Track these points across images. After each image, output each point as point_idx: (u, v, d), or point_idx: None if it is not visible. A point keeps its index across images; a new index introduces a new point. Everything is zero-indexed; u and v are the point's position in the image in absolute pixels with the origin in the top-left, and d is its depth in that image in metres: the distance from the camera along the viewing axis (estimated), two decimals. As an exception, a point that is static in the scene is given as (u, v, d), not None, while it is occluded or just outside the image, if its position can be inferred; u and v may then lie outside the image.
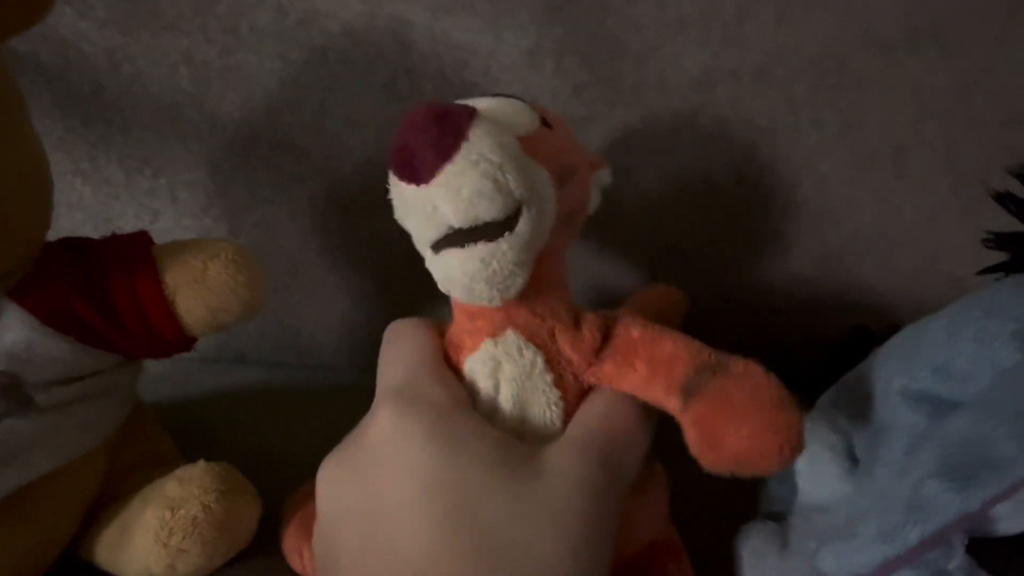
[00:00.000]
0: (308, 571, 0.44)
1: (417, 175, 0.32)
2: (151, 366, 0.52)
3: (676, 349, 0.37)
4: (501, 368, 0.37)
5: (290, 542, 0.45)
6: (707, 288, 0.63)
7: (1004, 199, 0.42)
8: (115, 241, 0.46)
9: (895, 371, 0.44)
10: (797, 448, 0.34)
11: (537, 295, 0.37)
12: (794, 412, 0.35)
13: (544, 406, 0.37)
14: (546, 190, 0.35)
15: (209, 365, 0.69)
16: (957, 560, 0.39)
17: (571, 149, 0.39)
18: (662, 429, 0.49)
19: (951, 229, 0.62)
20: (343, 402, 0.57)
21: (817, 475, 0.45)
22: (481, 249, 0.33)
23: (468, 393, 0.37)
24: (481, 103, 0.36)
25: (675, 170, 0.62)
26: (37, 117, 0.43)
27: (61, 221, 0.45)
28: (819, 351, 0.64)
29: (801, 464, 0.45)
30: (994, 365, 0.39)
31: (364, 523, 0.33)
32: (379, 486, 0.33)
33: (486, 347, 0.37)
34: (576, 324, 0.38)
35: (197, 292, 0.45)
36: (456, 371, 0.38)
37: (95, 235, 0.47)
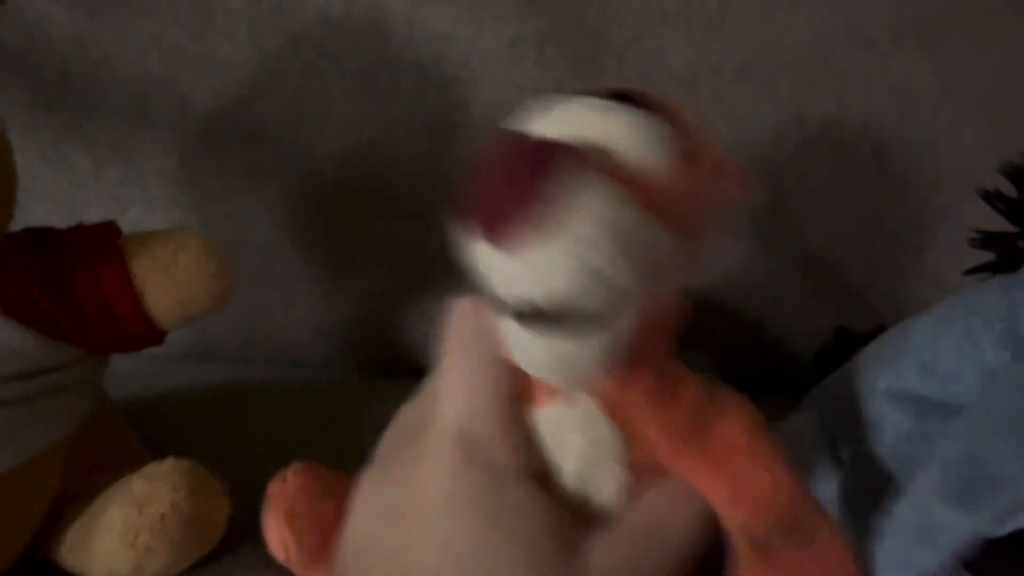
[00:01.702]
0: (294, 563, 0.42)
1: (500, 242, 0.26)
2: (119, 364, 0.51)
3: (773, 487, 0.30)
4: (569, 439, 0.32)
5: (275, 533, 0.42)
6: (689, 288, 0.62)
7: (992, 198, 0.41)
8: (81, 231, 0.45)
9: (880, 371, 0.44)
10: None
11: (636, 355, 0.30)
12: None
13: (609, 487, 0.32)
14: (667, 266, 0.28)
15: (178, 362, 0.68)
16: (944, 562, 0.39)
17: (713, 183, 0.30)
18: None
19: (933, 229, 0.62)
20: (314, 399, 0.56)
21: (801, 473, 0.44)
22: (563, 345, 0.27)
23: (532, 447, 0.32)
24: (608, 126, 0.28)
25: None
26: (1, 102, 0.42)
27: (25, 211, 0.43)
28: (801, 352, 0.64)
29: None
30: (980, 365, 0.39)
31: (387, 565, 0.32)
32: (409, 536, 0.32)
33: (557, 410, 0.32)
34: (673, 395, 0.31)
35: (165, 283, 0.43)
36: (522, 415, 0.33)
37: (61, 226, 0.46)
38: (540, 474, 0.31)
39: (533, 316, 0.27)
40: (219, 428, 0.57)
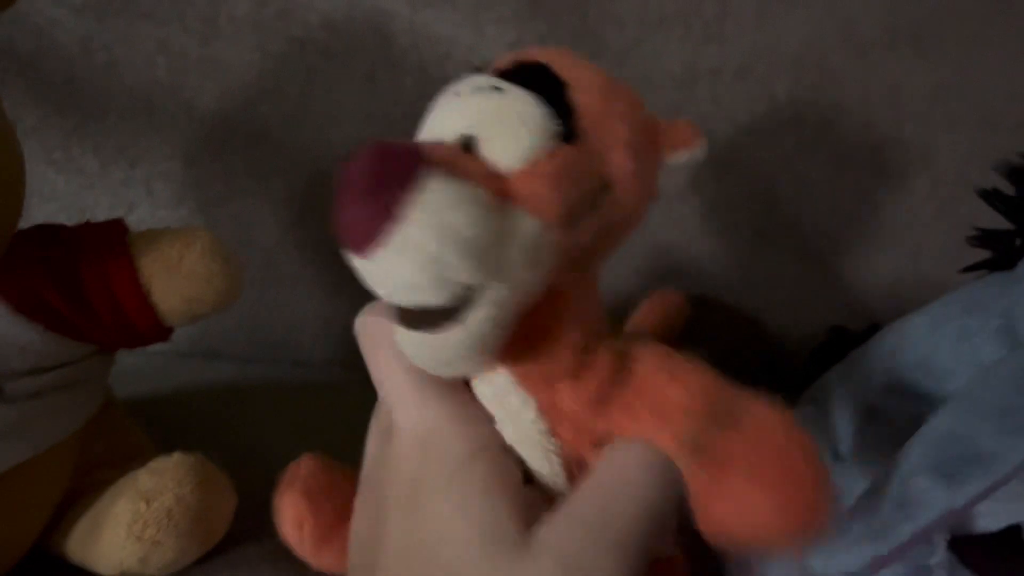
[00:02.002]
0: (307, 541, 0.41)
1: (354, 248, 0.26)
2: (124, 361, 0.51)
3: (684, 391, 0.30)
4: (495, 409, 0.32)
5: (291, 511, 0.40)
6: (685, 287, 0.63)
7: (990, 196, 0.42)
8: (89, 229, 0.45)
9: (878, 366, 0.44)
10: (817, 533, 0.27)
11: (539, 333, 0.31)
12: (817, 485, 0.27)
13: (542, 457, 0.31)
14: (528, 254, 0.28)
15: (183, 360, 0.68)
16: (939, 556, 0.39)
17: (604, 158, 0.29)
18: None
19: (928, 229, 0.63)
20: (318, 398, 0.57)
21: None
22: (425, 337, 0.27)
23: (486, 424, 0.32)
24: (479, 113, 0.28)
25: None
26: (9, 105, 0.43)
27: (33, 212, 0.44)
28: (798, 350, 0.64)
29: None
30: (976, 361, 0.39)
31: (365, 555, 0.32)
32: (392, 530, 0.31)
33: (477, 384, 0.32)
34: (583, 366, 0.31)
35: (172, 281, 0.44)
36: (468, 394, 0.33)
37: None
38: (499, 443, 0.32)
39: (400, 312, 0.27)
40: (223, 426, 0.57)
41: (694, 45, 0.59)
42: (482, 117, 0.28)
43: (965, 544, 0.41)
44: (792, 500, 0.26)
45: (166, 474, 0.43)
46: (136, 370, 0.62)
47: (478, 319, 0.26)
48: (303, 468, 0.42)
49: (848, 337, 0.60)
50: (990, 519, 0.43)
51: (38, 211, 0.51)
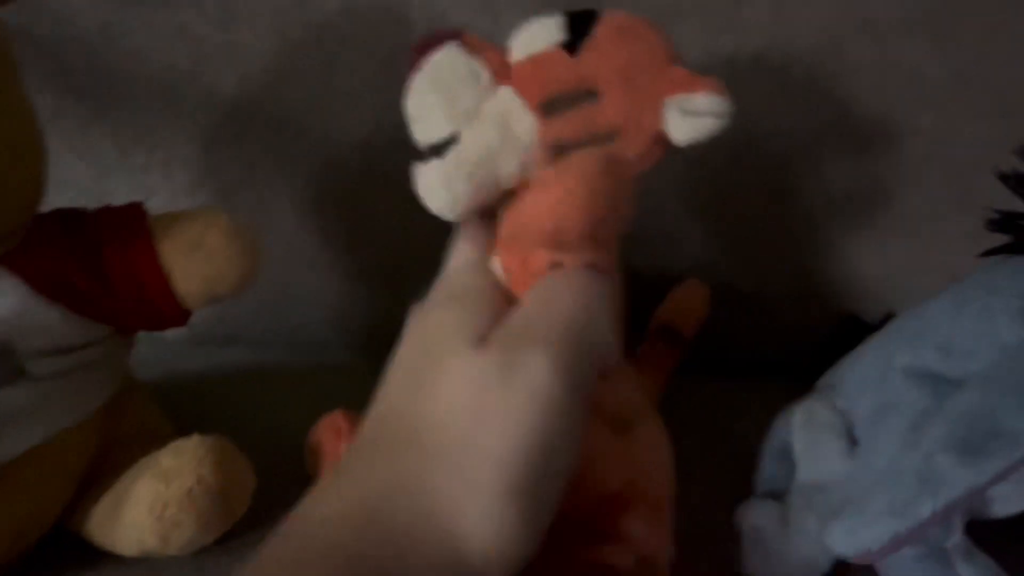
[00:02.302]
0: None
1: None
2: (144, 347, 0.52)
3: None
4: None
5: (328, 423, 0.48)
6: (701, 275, 0.63)
7: (1010, 179, 0.42)
8: (109, 212, 0.46)
9: (897, 350, 0.45)
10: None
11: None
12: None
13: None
14: (506, 119, 0.35)
15: (201, 345, 0.69)
16: (955, 539, 0.40)
17: (590, 73, 0.36)
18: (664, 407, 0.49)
19: (944, 219, 0.63)
20: (335, 382, 0.57)
21: (816, 454, 0.45)
22: (421, 167, 0.36)
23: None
24: (527, 23, 0.37)
25: (670, 155, 0.62)
26: (29, 91, 0.43)
27: (53, 197, 0.44)
28: (814, 338, 0.64)
29: (800, 444, 0.46)
30: (997, 342, 0.39)
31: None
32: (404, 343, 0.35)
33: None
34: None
35: (193, 262, 0.44)
36: None
37: (89, 210, 0.47)
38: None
39: (421, 153, 0.36)
40: (242, 409, 0.58)
41: (710, 34, 0.59)
42: (519, 31, 0.37)
43: (980, 528, 0.42)
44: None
45: (186, 455, 0.44)
46: (156, 356, 0.63)
47: (450, 157, 0.35)
48: (333, 417, 0.49)
49: (862, 325, 0.60)
50: (1005, 504, 0.44)
51: (57, 196, 0.51)
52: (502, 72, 0.36)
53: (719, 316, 0.61)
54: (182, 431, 0.46)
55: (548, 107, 0.36)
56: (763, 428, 0.51)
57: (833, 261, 0.65)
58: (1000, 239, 0.43)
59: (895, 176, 0.62)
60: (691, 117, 0.36)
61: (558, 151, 0.36)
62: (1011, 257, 0.43)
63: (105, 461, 0.47)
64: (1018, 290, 0.39)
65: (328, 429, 0.48)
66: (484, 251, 0.38)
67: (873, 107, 0.61)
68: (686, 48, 0.58)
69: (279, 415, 0.56)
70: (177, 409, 0.54)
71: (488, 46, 0.37)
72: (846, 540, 0.36)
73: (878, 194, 0.63)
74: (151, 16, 0.59)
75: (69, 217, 0.45)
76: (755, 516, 0.44)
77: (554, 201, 0.34)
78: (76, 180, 0.63)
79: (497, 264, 0.37)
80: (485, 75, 0.36)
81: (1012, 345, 0.38)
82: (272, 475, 0.47)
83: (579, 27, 0.36)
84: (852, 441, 0.45)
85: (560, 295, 0.33)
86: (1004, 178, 0.42)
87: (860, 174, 0.63)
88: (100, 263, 0.43)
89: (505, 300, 0.35)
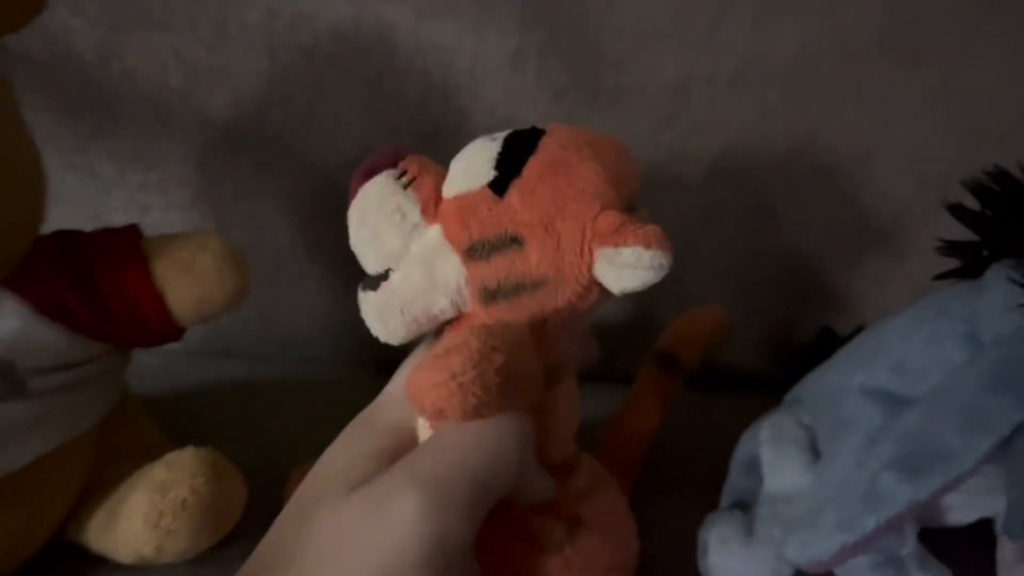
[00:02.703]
0: None
1: None
2: (140, 361, 0.53)
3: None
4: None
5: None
6: (677, 291, 0.64)
7: (956, 210, 0.44)
8: (106, 235, 0.47)
9: (855, 368, 0.46)
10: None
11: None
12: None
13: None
14: (427, 255, 0.35)
15: (196, 359, 0.70)
16: (909, 547, 0.42)
17: (514, 219, 0.34)
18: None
19: (914, 233, 0.65)
20: (328, 395, 0.58)
21: (782, 467, 0.46)
22: (360, 294, 0.37)
23: None
24: (468, 150, 0.36)
25: (650, 174, 0.63)
26: (27, 111, 0.44)
27: (51, 214, 0.45)
28: (787, 351, 0.66)
29: (767, 456, 0.47)
30: (945, 363, 0.41)
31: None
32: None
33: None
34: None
35: (185, 283, 0.46)
36: None
37: (85, 228, 0.48)
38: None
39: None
40: (235, 422, 0.59)
41: (689, 54, 0.61)
42: (460, 155, 0.36)
43: (935, 537, 0.43)
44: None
45: (181, 467, 0.45)
46: (151, 369, 0.64)
47: (382, 293, 0.36)
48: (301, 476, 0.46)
49: (836, 338, 0.62)
50: (961, 512, 0.46)
51: (56, 214, 0.52)
52: (431, 209, 0.35)
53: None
54: (177, 443, 0.48)
55: (472, 252, 0.34)
56: (736, 438, 0.52)
57: (808, 274, 0.67)
58: (953, 262, 0.45)
59: (868, 192, 0.64)
60: (625, 269, 0.33)
61: (489, 295, 0.34)
62: (962, 281, 0.44)
63: (102, 473, 0.49)
64: (965, 314, 0.41)
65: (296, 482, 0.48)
66: None
67: (847, 125, 0.63)
68: (665, 68, 0.61)
69: (272, 427, 0.58)
70: (172, 422, 0.56)
71: (426, 174, 0.36)
72: (799, 552, 0.38)
73: (851, 209, 0.64)
74: (145, 39, 0.60)
75: (67, 239, 0.46)
76: (719, 527, 0.46)
77: (430, 384, 0.31)
78: (74, 197, 0.64)
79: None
80: (414, 213, 0.35)
81: (955, 368, 0.40)
82: (264, 487, 0.49)
83: (510, 164, 0.34)
84: (816, 455, 0.47)
85: (452, 438, 0.32)
86: (952, 209, 0.44)
87: (834, 190, 0.64)
88: (96, 284, 0.45)
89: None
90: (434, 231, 0.35)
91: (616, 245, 0.32)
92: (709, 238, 0.66)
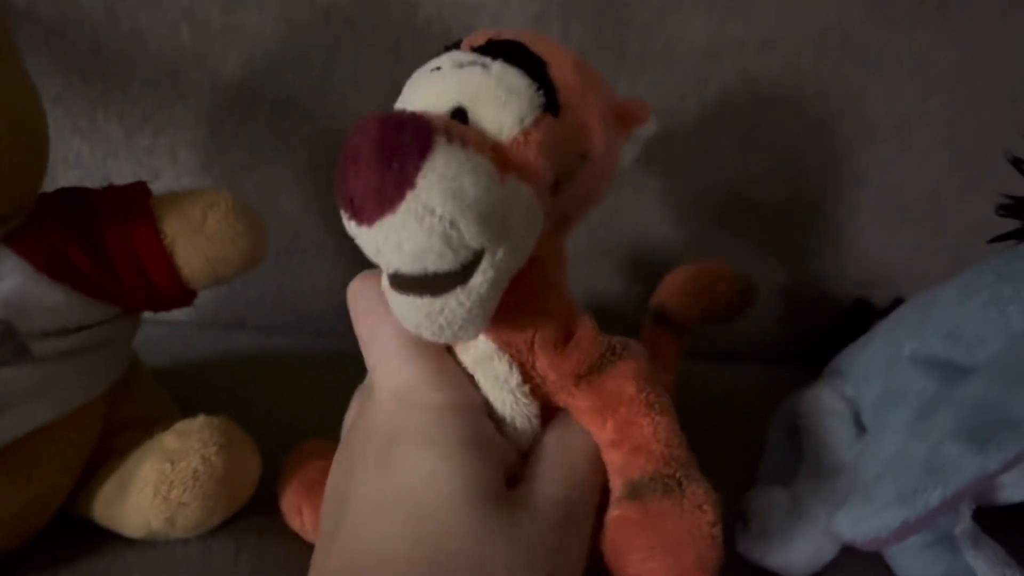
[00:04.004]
0: (308, 529, 0.43)
1: (357, 216, 0.28)
2: (149, 331, 0.51)
3: (652, 436, 0.32)
4: (477, 376, 0.33)
5: (289, 500, 0.44)
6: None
7: (1020, 163, 0.42)
8: (112, 191, 0.45)
9: (905, 337, 0.44)
10: None
11: (521, 301, 0.32)
12: (710, 563, 0.31)
13: (522, 417, 0.33)
14: (524, 219, 0.29)
15: (207, 330, 0.69)
16: (964, 525, 0.40)
17: (583, 130, 0.32)
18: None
19: (952, 204, 0.63)
20: (341, 368, 0.57)
21: (823, 441, 0.45)
22: (426, 303, 0.28)
23: (468, 386, 0.33)
24: (464, 86, 0.30)
25: (680, 140, 0.62)
26: (34, 72, 0.42)
27: (58, 178, 0.44)
28: (821, 324, 0.64)
29: (807, 430, 0.46)
30: (1006, 329, 0.39)
31: (337, 509, 0.33)
32: (359, 479, 0.32)
33: (459, 352, 0.34)
34: (565, 339, 0.33)
35: (196, 242, 0.44)
36: (450, 359, 0.34)
37: (93, 191, 0.47)
38: (481, 408, 0.33)
39: (399, 279, 0.28)
40: (247, 395, 0.58)
41: (719, 17, 0.59)
42: (472, 90, 0.30)
43: (988, 515, 0.41)
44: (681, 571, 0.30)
45: (192, 436, 0.43)
46: (161, 340, 0.63)
47: (481, 282, 0.28)
48: (301, 456, 0.46)
49: (872, 310, 0.60)
50: (1015, 490, 0.44)
51: (63, 178, 0.51)
52: (501, 160, 0.29)
53: (753, 303, 0.60)
54: (188, 415, 0.46)
55: (557, 188, 0.31)
56: (772, 414, 0.51)
57: (842, 247, 0.65)
58: (1010, 224, 0.43)
59: (904, 161, 0.62)
60: (635, 145, 0.35)
61: (565, 221, 0.33)
62: (1021, 243, 0.42)
63: (111, 444, 0.47)
64: (1028, 277, 0.39)
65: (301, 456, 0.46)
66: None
67: (882, 92, 0.61)
68: (695, 32, 0.59)
69: (285, 401, 0.57)
70: (183, 394, 0.54)
71: (465, 130, 0.29)
72: (855, 527, 0.36)
73: (887, 179, 0.63)
74: (155, -2, 0.58)
75: (72, 196, 0.45)
76: (761, 503, 0.44)
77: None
78: (82, 161, 0.63)
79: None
80: (495, 173, 0.28)
81: (1021, 333, 0.38)
82: (278, 461, 0.47)
83: (543, 79, 0.31)
84: (860, 428, 0.45)
85: (590, 474, 0.33)
86: (1016, 162, 0.42)
87: (869, 159, 0.62)
88: (102, 242, 0.43)
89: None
90: (518, 184, 0.29)
91: (644, 121, 0.34)
92: (739, 207, 0.65)
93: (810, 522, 0.41)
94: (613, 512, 0.32)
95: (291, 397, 0.58)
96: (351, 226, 0.28)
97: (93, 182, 0.47)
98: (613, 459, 0.33)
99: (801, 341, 0.66)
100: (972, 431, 0.34)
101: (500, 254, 0.28)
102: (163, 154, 0.63)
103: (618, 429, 0.32)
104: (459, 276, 0.27)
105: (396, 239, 0.27)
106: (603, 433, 0.33)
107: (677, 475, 0.31)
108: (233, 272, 0.46)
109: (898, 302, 0.53)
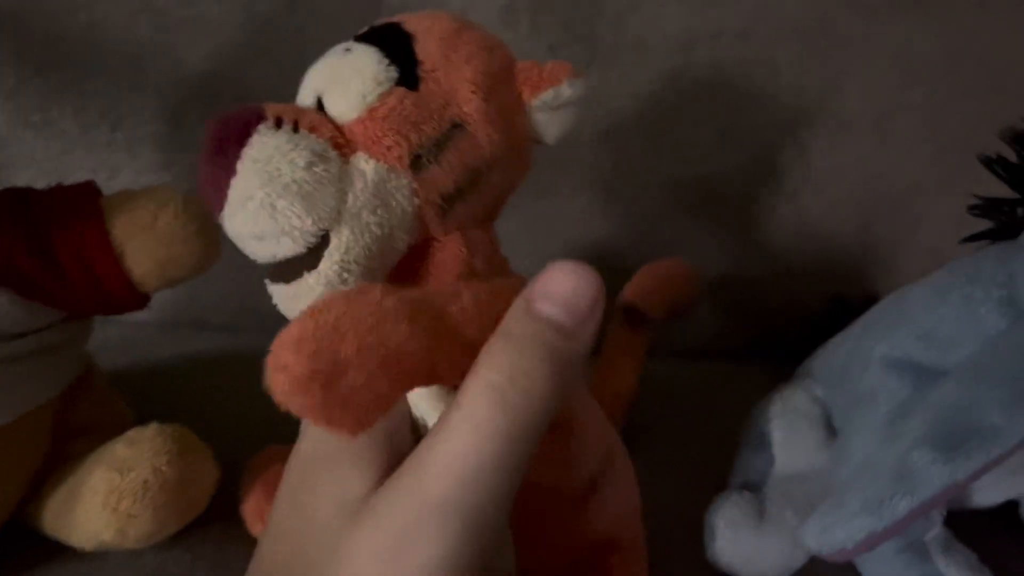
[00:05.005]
0: None
1: (212, 208, 0.29)
2: (109, 332, 0.50)
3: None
4: None
5: (251, 506, 0.43)
6: (684, 256, 0.62)
7: (993, 163, 0.41)
8: (60, 191, 0.44)
9: (877, 339, 0.44)
10: None
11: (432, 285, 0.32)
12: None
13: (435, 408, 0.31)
14: (375, 194, 0.29)
15: (169, 331, 0.67)
16: (935, 532, 0.39)
17: (450, 98, 0.31)
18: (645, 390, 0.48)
19: (931, 199, 0.62)
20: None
21: (794, 445, 0.44)
22: (285, 289, 0.29)
23: None
24: (325, 71, 0.31)
25: (653, 133, 0.61)
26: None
27: (12, 176, 0.43)
28: (797, 320, 0.63)
29: (778, 433, 0.45)
30: (979, 332, 0.38)
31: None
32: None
33: None
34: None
35: (146, 243, 0.42)
36: None
37: (46, 191, 0.45)
38: None
39: (264, 269, 0.30)
40: (211, 397, 0.56)
41: (694, 8, 0.58)
42: (326, 76, 0.31)
43: (960, 520, 0.41)
44: None
45: (142, 445, 0.42)
46: (121, 341, 0.61)
47: (329, 265, 0.28)
48: (263, 462, 0.45)
49: (848, 306, 0.59)
50: (987, 494, 0.43)
51: (16, 176, 0.49)
52: (340, 140, 0.29)
53: (704, 297, 0.59)
54: (147, 420, 0.45)
55: (419, 161, 0.30)
56: (745, 413, 0.50)
57: (817, 241, 0.64)
58: (983, 224, 0.42)
59: (882, 154, 0.61)
60: (559, 111, 0.33)
61: (448, 201, 0.31)
62: (993, 244, 0.42)
63: (61, 451, 0.46)
64: (999, 279, 0.38)
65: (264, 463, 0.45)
66: None
67: (861, 85, 0.60)
68: (669, 22, 0.58)
69: (249, 403, 0.54)
70: (142, 398, 0.53)
71: (299, 112, 0.29)
72: (821, 538, 0.35)
73: (865, 173, 0.62)
74: (113, -12, 0.57)
75: (18, 197, 0.43)
76: (730, 508, 0.43)
77: None
78: (36, 158, 0.61)
79: None
80: (331, 154, 0.28)
81: (993, 337, 0.37)
82: (241, 466, 0.46)
83: (401, 55, 0.30)
84: (831, 431, 0.44)
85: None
86: (987, 162, 0.41)
87: (846, 152, 0.62)
88: (49, 245, 0.41)
89: None
90: (363, 163, 0.29)
91: (554, 84, 0.32)
92: (714, 202, 0.64)
93: (780, 529, 0.41)
94: None
95: (255, 399, 0.54)
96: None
97: (48, 179, 0.46)
98: None
99: (776, 338, 0.65)
100: (942, 439, 0.33)
101: (346, 235, 0.28)
102: (121, 150, 0.62)
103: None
104: (307, 260, 0.28)
105: (235, 228, 0.28)
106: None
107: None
108: (185, 274, 0.44)
109: (872, 299, 0.52)
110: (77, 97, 0.60)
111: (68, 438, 0.46)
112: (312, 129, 0.28)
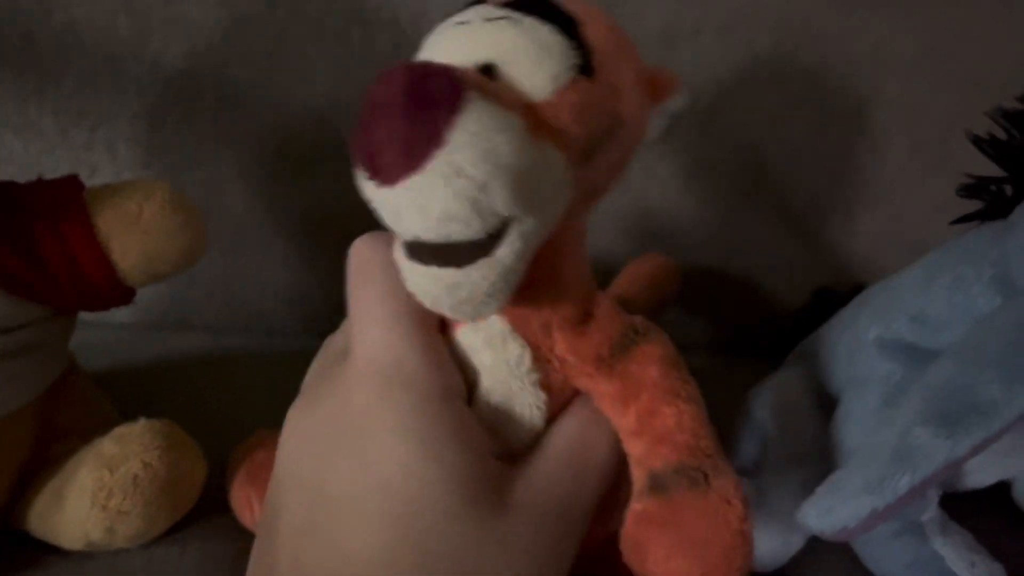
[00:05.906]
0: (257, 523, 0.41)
1: (379, 175, 0.25)
2: (92, 334, 0.49)
3: (676, 425, 0.30)
4: (481, 358, 0.31)
5: (239, 494, 0.42)
6: (669, 250, 0.62)
7: (982, 142, 0.41)
8: (43, 185, 0.43)
9: (869, 322, 0.44)
10: None
11: (540, 279, 0.30)
12: (738, 562, 0.29)
13: (527, 407, 0.31)
14: (554, 188, 0.27)
15: (152, 331, 0.67)
16: (931, 512, 0.39)
17: (617, 95, 0.29)
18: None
19: (911, 191, 0.62)
20: (292, 369, 0.55)
21: (789, 429, 0.44)
22: (448, 274, 0.26)
23: (454, 370, 0.31)
24: (497, 42, 0.27)
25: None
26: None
27: (-9, 176, 0.42)
28: (782, 313, 0.63)
29: (773, 419, 0.45)
30: (971, 311, 0.39)
31: (312, 500, 0.30)
32: (337, 468, 0.29)
33: (467, 331, 0.31)
34: (584, 320, 0.31)
35: (132, 236, 0.42)
36: (439, 339, 0.31)
37: (25, 188, 0.44)
38: (464, 397, 0.31)
39: (418, 248, 0.26)
40: (196, 397, 0.56)
41: (675, 2, 0.58)
42: (503, 45, 0.27)
43: (955, 501, 0.41)
44: (708, 568, 0.28)
45: (131, 440, 0.42)
46: (103, 343, 0.61)
47: (507, 254, 0.25)
48: (249, 448, 0.44)
49: (833, 298, 0.59)
50: (980, 475, 0.44)
51: (-4, 175, 0.49)
52: (534, 122, 0.26)
53: (688, 292, 0.60)
54: (131, 420, 0.44)
55: (586, 154, 0.28)
56: (735, 404, 0.50)
57: (801, 233, 0.65)
58: (970, 207, 0.43)
59: (863, 147, 0.62)
60: (663, 117, 0.32)
61: (590, 199, 0.30)
62: (983, 224, 0.42)
63: (46, 453, 0.45)
64: (991, 258, 0.38)
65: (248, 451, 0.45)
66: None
67: (840, 78, 0.60)
68: (651, 17, 0.58)
69: (234, 403, 0.55)
70: (126, 398, 0.52)
71: (501, 87, 0.26)
72: (821, 519, 0.35)
73: (845, 165, 0.62)
74: (91, -13, 0.56)
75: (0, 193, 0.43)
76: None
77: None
78: (15, 158, 0.61)
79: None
80: (528, 134, 0.25)
81: (986, 315, 0.37)
82: (224, 464, 0.46)
83: (574, 37, 0.27)
84: (825, 415, 0.44)
85: (603, 470, 0.31)
86: (977, 141, 0.41)
87: (827, 145, 0.62)
88: (32, 239, 0.41)
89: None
90: (549, 150, 0.26)
91: (674, 92, 0.32)
92: (696, 197, 0.64)
93: (776, 514, 0.41)
94: (635, 506, 0.30)
95: (240, 399, 0.56)
96: (369, 187, 0.25)
97: (28, 179, 0.45)
98: (635, 449, 0.31)
99: (762, 331, 0.65)
100: (941, 416, 0.33)
101: (528, 224, 0.26)
102: (101, 150, 0.61)
103: (640, 417, 0.30)
104: (484, 246, 0.25)
105: (420, 202, 0.24)
106: (624, 421, 0.31)
107: (703, 467, 0.29)
108: (172, 268, 0.44)
109: (858, 289, 0.53)
110: (56, 97, 0.59)
111: (52, 439, 0.46)
112: (510, 106, 0.25)
